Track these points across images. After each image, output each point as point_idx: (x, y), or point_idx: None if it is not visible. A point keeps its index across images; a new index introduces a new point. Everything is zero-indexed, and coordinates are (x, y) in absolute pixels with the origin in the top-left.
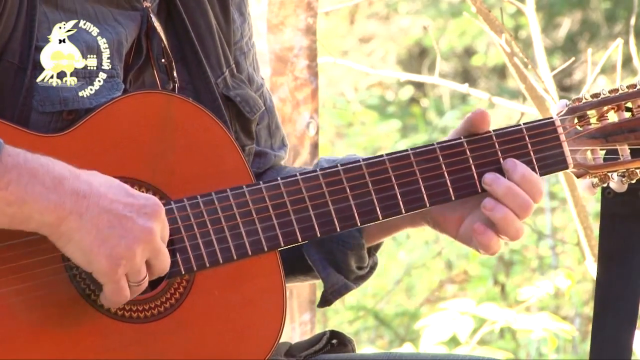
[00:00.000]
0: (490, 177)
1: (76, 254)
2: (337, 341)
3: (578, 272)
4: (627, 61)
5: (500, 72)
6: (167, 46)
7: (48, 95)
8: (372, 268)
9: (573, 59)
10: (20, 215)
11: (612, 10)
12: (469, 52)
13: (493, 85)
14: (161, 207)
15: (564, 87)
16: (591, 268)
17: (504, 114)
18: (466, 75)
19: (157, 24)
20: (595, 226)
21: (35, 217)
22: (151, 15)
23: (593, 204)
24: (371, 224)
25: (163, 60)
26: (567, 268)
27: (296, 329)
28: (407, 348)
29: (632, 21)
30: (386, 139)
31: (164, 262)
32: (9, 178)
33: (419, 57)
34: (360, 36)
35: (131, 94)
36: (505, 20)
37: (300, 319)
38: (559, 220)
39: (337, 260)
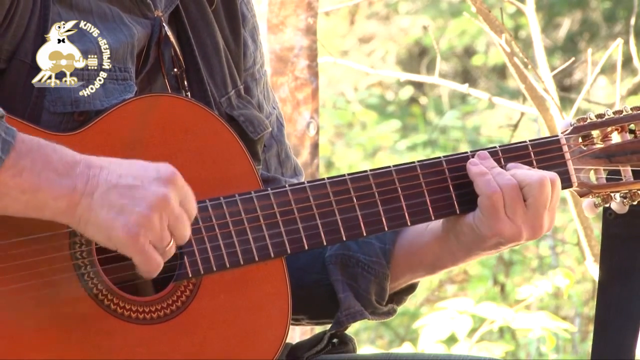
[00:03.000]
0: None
1: (96, 234)
2: (338, 340)
3: (578, 272)
4: (627, 61)
5: (500, 72)
6: (180, 56)
7: (60, 95)
8: (389, 313)
9: (573, 59)
10: (34, 202)
11: (612, 10)
12: (469, 52)
13: (493, 85)
14: (175, 173)
15: (564, 87)
16: (591, 268)
17: (504, 114)
18: (466, 75)
19: (170, 34)
20: (596, 226)
21: (49, 204)
22: (164, 25)
23: None
24: (378, 233)
25: (175, 70)
26: (567, 268)
27: (296, 329)
28: (406, 348)
29: (632, 21)
30: (386, 138)
31: (183, 230)
32: (23, 165)
33: (418, 57)
34: (360, 36)
35: (141, 97)
36: (505, 20)
37: None
38: (559, 220)
39: (359, 287)
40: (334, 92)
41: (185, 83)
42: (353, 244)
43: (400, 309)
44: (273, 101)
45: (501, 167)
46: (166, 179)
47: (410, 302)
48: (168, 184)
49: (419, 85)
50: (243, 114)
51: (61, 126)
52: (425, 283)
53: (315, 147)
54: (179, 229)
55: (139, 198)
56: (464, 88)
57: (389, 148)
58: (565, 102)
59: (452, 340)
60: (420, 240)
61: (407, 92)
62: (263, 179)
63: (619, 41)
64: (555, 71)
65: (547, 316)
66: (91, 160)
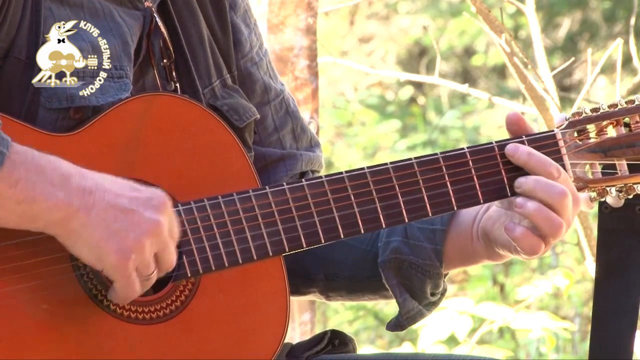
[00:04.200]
0: (520, 180)
1: (85, 251)
2: (338, 341)
3: (578, 272)
4: (627, 61)
5: (500, 72)
6: (170, 47)
7: (55, 92)
8: (442, 294)
9: (573, 59)
10: (29, 213)
11: (612, 10)
12: (468, 52)
13: (493, 85)
14: (167, 200)
15: (564, 87)
16: (591, 268)
17: (504, 114)
18: (466, 75)
19: (160, 24)
20: (595, 226)
21: (43, 215)
22: (155, 15)
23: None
24: (376, 230)
25: (165, 61)
26: (567, 268)
27: (296, 329)
28: (406, 348)
29: (632, 21)
30: (386, 138)
31: (171, 257)
32: (18, 176)
33: (418, 57)
34: (360, 36)
35: (139, 96)
36: (505, 20)
37: (300, 319)
38: None
39: (414, 286)
40: (334, 92)
41: (174, 74)
42: (405, 247)
43: None
44: (279, 78)
45: (497, 162)
46: (159, 205)
47: None
48: (161, 210)
49: (418, 85)
50: (227, 104)
51: (57, 124)
52: None
53: None
54: (166, 255)
55: (134, 223)
56: (464, 88)
57: (388, 148)
58: (565, 102)
59: (451, 340)
60: (470, 247)
61: (407, 92)
62: (277, 157)
63: (619, 41)
64: (555, 71)
65: (547, 316)
66: (84, 173)
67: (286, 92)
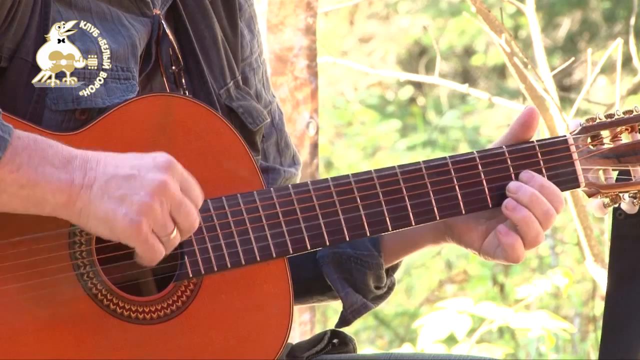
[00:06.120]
0: (514, 185)
1: (98, 226)
2: (338, 341)
3: (578, 272)
4: (627, 61)
5: (500, 72)
6: (179, 54)
7: (62, 93)
8: (390, 288)
9: (573, 59)
10: (33, 197)
11: (612, 10)
12: (468, 52)
13: (493, 85)
14: (172, 160)
15: (564, 87)
16: (591, 268)
17: (503, 114)
18: (466, 75)
19: (168, 31)
20: (595, 226)
21: (48, 198)
22: (163, 22)
23: None
24: (382, 233)
25: (173, 67)
26: (567, 268)
27: (296, 329)
28: (406, 348)
29: (632, 21)
30: (386, 138)
31: (189, 216)
32: (20, 160)
33: (418, 56)
34: (360, 36)
35: (144, 96)
36: (505, 20)
37: (300, 319)
38: (559, 220)
39: (356, 280)
40: (333, 92)
41: (183, 81)
42: None
43: (399, 309)
44: (272, 90)
45: (507, 166)
46: (163, 165)
47: (410, 302)
48: (165, 170)
49: (418, 85)
50: (242, 106)
51: (62, 125)
52: (425, 283)
53: (314, 147)
54: (183, 214)
55: (137, 187)
56: (464, 88)
57: (388, 148)
58: (565, 102)
59: (451, 340)
60: (411, 233)
61: (407, 92)
62: (262, 168)
63: (619, 41)
64: (555, 71)
65: (547, 315)
66: (87, 153)
67: (274, 105)
